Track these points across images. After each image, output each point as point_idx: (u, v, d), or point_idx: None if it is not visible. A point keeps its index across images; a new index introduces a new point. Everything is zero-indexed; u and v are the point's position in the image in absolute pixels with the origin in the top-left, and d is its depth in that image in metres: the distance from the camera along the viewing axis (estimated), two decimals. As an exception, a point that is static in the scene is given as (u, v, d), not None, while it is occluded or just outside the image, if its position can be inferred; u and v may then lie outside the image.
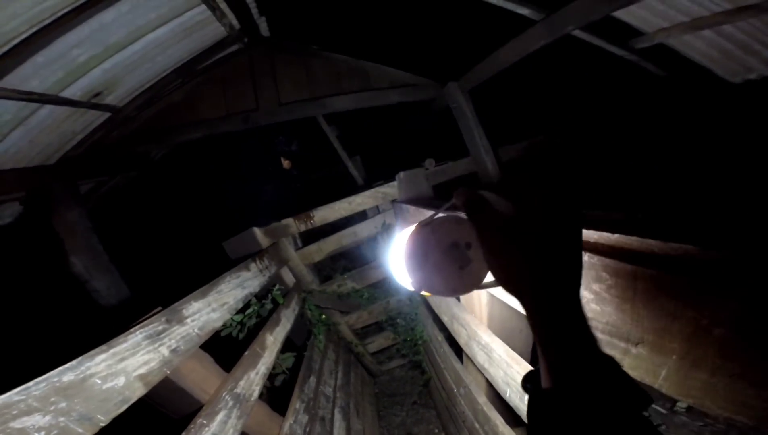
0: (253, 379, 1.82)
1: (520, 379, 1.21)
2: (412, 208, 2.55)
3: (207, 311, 1.69)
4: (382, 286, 3.64)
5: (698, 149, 3.24)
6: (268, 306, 2.68)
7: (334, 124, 4.58)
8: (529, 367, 1.16)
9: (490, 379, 1.43)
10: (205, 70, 3.03)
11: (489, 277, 0.53)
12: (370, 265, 3.60)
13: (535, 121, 4.61)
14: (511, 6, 2.70)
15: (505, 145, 3.88)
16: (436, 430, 3.16)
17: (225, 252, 3.16)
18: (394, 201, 3.30)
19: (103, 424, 1.03)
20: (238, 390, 1.66)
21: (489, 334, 1.42)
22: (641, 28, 2.74)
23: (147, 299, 2.72)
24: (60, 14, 1.70)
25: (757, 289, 0.55)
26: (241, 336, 2.38)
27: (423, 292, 0.57)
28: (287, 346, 2.48)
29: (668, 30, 2.62)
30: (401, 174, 3.18)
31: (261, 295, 2.60)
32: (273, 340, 2.21)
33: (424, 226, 0.56)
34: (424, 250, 0.54)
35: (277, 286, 2.76)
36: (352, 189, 4.31)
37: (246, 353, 1.91)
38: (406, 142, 5.53)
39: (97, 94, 2.30)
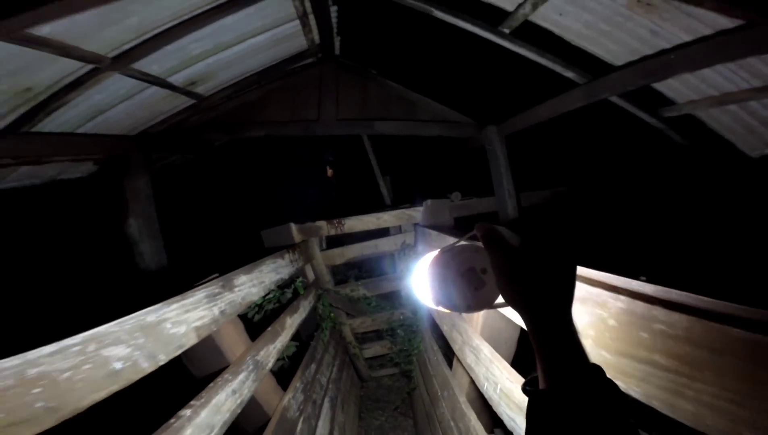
0: (270, 351, 2.07)
1: (498, 374, 1.42)
2: (434, 233, 2.78)
3: (249, 285, 1.97)
4: (390, 299, 3.86)
5: (706, 216, 3.34)
6: (288, 295, 2.94)
7: (372, 141, 4.89)
8: (508, 366, 1.38)
9: (473, 377, 1.64)
10: (281, 76, 3.37)
11: (499, 299, 0.60)
12: (382, 277, 3.84)
13: (560, 172, 4.79)
14: (559, 69, 2.94)
15: (527, 191, 4.08)
16: (410, 438, 3.33)
17: (254, 239, 3.46)
18: (416, 224, 3.55)
19: (162, 363, 1.24)
20: (258, 357, 1.91)
21: (480, 339, 1.63)
22: (672, 98, 2.87)
23: (182, 270, 3.01)
24: (198, 12, 2.03)
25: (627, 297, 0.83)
26: (257, 318, 2.60)
27: (440, 308, 0.64)
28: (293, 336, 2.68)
29: (697, 102, 2.74)
30: (428, 201, 3.43)
31: (283, 284, 2.86)
32: (290, 323, 2.47)
33: (447, 251, 0.63)
34: (445, 272, 0.61)
35: (300, 279, 3.03)
36: (380, 205, 4.59)
37: (269, 329, 2.17)
38: (434, 171, 5.80)
39: (192, 83, 2.65)
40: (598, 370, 0.47)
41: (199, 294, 1.52)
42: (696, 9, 1.79)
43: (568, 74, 2.90)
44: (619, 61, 2.58)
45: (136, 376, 1.15)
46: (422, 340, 3.40)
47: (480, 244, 0.59)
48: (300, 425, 2.27)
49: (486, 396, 1.48)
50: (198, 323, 1.48)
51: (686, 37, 2.06)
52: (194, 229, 4.69)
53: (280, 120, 3.41)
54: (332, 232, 3.37)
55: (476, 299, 0.60)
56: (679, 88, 2.67)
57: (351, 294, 3.64)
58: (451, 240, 2.31)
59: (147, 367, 1.20)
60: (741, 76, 2.24)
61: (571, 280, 0.51)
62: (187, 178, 4.54)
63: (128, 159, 2.87)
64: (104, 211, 3.07)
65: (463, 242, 0.64)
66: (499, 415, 1.34)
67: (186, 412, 1.32)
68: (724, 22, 1.83)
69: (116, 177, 2.85)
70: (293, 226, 3.14)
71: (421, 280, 0.68)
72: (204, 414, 1.39)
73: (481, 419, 1.68)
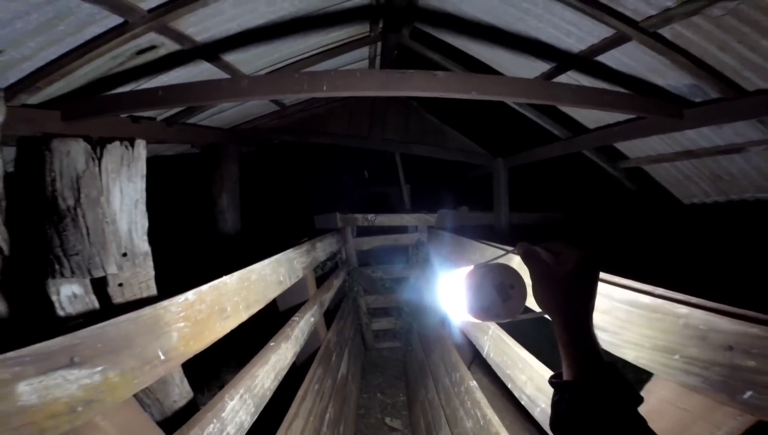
0: (326, 297, 2.92)
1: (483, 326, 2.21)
2: (446, 235, 3.61)
3: (321, 249, 2.84)
4: (401, 283, 4.72)
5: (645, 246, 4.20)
6: (329, 266, 3.81)
7: (401, 155, 5.75)
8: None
9: (465, 331, 2.42)
10: (343, 98, 4.22)
11: (522, 310, 0.68)
12: (397, 264, 4.71)
13: (548, 200, 5.70)
14: (549, 126, 3.81)
15: (520, 212, 5.01)
16: (401, 395, 4.11)
17: (297, 219, 4.30)
18: (431, 227, 4.42)
19: (291, 283, 2.11)
20: (322, 299, 2.77)
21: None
22: (626, 154, 3.66)
23: (250, 237, 3.80)
24: (313, 53, 2.93)
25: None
26: (318, 274, 3.42)
27: (471, 316, 0.69)
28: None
29: (642, 158, 3.51)
30: (443, 210, 4.31)
31: (327, 258, 3.70)
32: (335, 284, 3.33)
33: (482, 267, 0.69)
34: (480, 284, 0.67)
35: (339, 256, 3.90)
36: (401, 207, 5.47)
37: (325, 283, 3.04)
38: (446, 186, 6.69)
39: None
40: (614, 365, 0.53)
41: (304, 247, 2.39)
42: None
43: (555, 131, 3.77)
44: (591, 126, 3.39)
45: (285, 287, 1.99)
46: (424, 315, 4.23)
47: (507, 263, 0.69)
48: (333, 358, 3.10)
49: (471, 338, 2.28)
50: (304, 265, 2.35)
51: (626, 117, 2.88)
52: (253, 208, 5.54)
53: (338, 132, 4.27)
54: (364, 223, 4.24)
55: (504, 310, 0.67)
56: (629, 146, 3.49)
57: (371, 275, 4.50)
58: (455, 239, 3.08)
59: (289, 282, 2.05)
60: (667, 143, 3.03)
61: (593, 291, 0.58)
62: (250, 166, 5.38)
63: (225, 147, 3.72)
64: (196, 183, 3.92)
65: (495, 261, 0.71)
66: (471, 339, 2.14)
67: (296, 318, 2.17)
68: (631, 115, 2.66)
69: (215, 160, 3.71)
70: (338, 215, 4.01)
71: (454, 291, 0.74)
72: (302, 322, 2.22)
73: (461, 356, 2.53)
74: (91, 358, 0.75)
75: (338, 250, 3.76)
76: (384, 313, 4.91)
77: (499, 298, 0.66)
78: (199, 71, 2.41)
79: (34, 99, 1.88)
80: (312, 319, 2.49)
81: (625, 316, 0.92)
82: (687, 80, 2.19)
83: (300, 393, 2.07)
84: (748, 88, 2.09)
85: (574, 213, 4.96)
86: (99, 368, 0.76)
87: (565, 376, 0.55)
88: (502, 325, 1.78)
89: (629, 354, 0.88)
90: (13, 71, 1.73)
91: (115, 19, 1.65)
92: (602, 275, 1.02)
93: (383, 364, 4.82)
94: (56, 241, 0.79)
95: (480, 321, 0.73)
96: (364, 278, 4.43)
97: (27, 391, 0.66)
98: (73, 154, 0.76)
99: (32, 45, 1.63)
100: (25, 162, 0.79)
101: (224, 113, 3.40)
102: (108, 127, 2.28)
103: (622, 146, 3.54)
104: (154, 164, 3.95)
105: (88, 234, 0.80)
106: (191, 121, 3.11)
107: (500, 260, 0.74)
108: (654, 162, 3.38)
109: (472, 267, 0.71)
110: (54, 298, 0.86)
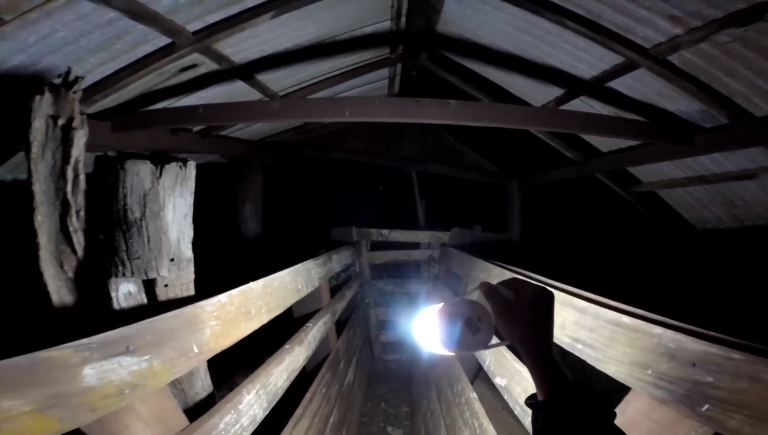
0: (338, 308, 3.03)
1: None
2: (456, 252, 3.71)
3: (336, 261, 2.97)
4: (410, 296, 4.81)
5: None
6: (343, 277, 3.94)
7: (417, 171, 5.89)
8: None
9: None
10: (362, 114, 4.44)
11: (492, 341, 0.74)
12: (408, 280, 4.81)
13: (562, 223, 5.72)
14: (563, 150, 3.89)
15: (532, 234, 5.05)
16: (405, 406, 4.14)
17: (313, 231, 4.47)
18: (443, 244, 4.52)
19: (308, 292, 2.24)
20: (334, 308, 2.88)
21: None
22: (640, 178, 3.68)
23: (270, 246, 3.96)
24: (336, 73, 3.12)
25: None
26: (332, 284, 3.55)
27: (445, 349, 0.74)
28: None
29: (655, 183, 3.53)
30: (456, 229, 4.40)
31: (341, 270, 3.84)
32: (347, 295, 3.44)
33: (452, 304, 0.75)
34: (450, 321, 0.73)
35: (352, 268, 4.03)
36: (415, 224, 5.59)
37: (338, 293, 3.16)
38: (461, 204, 6.78)
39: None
40: (583, 383, 0.58)
41: (321, 259, 2.52)
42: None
43: (569, 154, 3.84)
44: (604, 149, 3.46)
45: (303, 295, 2.12)
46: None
47: (474, 299, 0.77)
48: (341, 365, 3.19)
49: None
50: (320, 275, 2.47)
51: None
52: (275, 217, 5.75)
53: (356, 148, 4.45)
54: (379, 238, 4.37)
55: (474, 342, 0.73)
56: (642, 170, 3.52)
57: (383, 288, 4.60)
58: (463, 256, 3.17)
59: (306, 291, 2.17)
60: (679, 168, 3.05)
61: (551, 320, 0.65)
62: (273, 177, 5.61)
63: (251, 159, 3.94)
64: (222, 192, 4.14)
65: (463, 297, 0.77)
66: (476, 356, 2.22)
67: (309, 324, 2.29)
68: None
69: (241, 170, 3.93)
70: (354, 228, 4.16)
71: (428, 327, 0.78)
72: (315, 329, 2.32)
73: (465, 370, 2.58)
74: (142, 347, 0.84)
75: (352, 262, 3.89)
76: (393, 325, 4.98)
77: (469, 331, 0.72)
78: (234, 88, 2.61)
79: (90, 110, 2.10)
80: (324, 327, 2.60)
81: (610, 334, 1.01)
82: (697, 106, 2.24)
83: (308, 395, 2.15)
84: (756, 114, 2.11)
85: (585, 236, 4.98)
86: (146, 357, 0.85)
87: (539, 397, 0.60)
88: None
89: (611, 369, 0.97)
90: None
91: (164, 40, 1.85)
92: (592, 296, 1.14)
93: (389, 376, 4.83)
94: (123, 246, 0.93)
95: (454, 354, 0.81)
96: (376, 291, 4.54)
97: (90, 374, 0.75)
98: (141, 173, 0.91)
99: (93, 61, 1.83)
100: (101, 178, 0.95)
101: (253, 126, 3.61)
102: (150, 138, 2.49)
103: (636, 170, 3.59)
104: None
105: (149, 241, 0.95)
106: (223, 133, 3.32)
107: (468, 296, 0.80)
108: (667, 186, 3.41)
109: (441, 305, 0.76)
110: (113, 294, 1.01)
